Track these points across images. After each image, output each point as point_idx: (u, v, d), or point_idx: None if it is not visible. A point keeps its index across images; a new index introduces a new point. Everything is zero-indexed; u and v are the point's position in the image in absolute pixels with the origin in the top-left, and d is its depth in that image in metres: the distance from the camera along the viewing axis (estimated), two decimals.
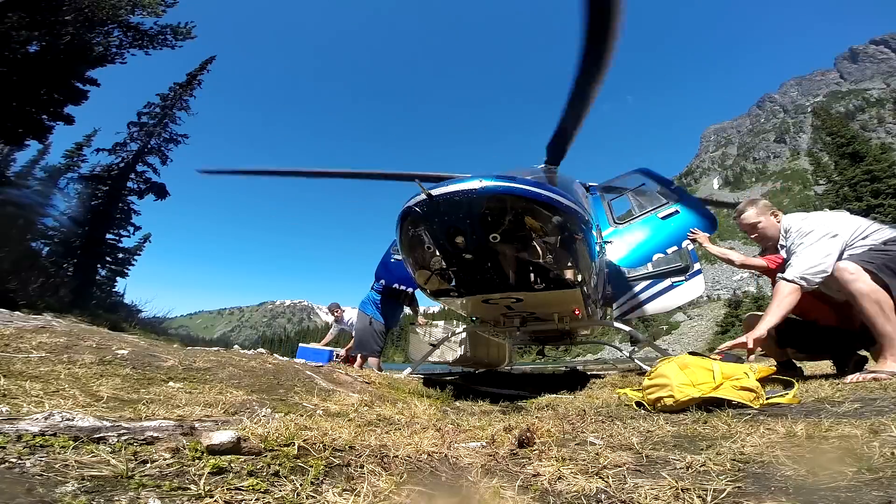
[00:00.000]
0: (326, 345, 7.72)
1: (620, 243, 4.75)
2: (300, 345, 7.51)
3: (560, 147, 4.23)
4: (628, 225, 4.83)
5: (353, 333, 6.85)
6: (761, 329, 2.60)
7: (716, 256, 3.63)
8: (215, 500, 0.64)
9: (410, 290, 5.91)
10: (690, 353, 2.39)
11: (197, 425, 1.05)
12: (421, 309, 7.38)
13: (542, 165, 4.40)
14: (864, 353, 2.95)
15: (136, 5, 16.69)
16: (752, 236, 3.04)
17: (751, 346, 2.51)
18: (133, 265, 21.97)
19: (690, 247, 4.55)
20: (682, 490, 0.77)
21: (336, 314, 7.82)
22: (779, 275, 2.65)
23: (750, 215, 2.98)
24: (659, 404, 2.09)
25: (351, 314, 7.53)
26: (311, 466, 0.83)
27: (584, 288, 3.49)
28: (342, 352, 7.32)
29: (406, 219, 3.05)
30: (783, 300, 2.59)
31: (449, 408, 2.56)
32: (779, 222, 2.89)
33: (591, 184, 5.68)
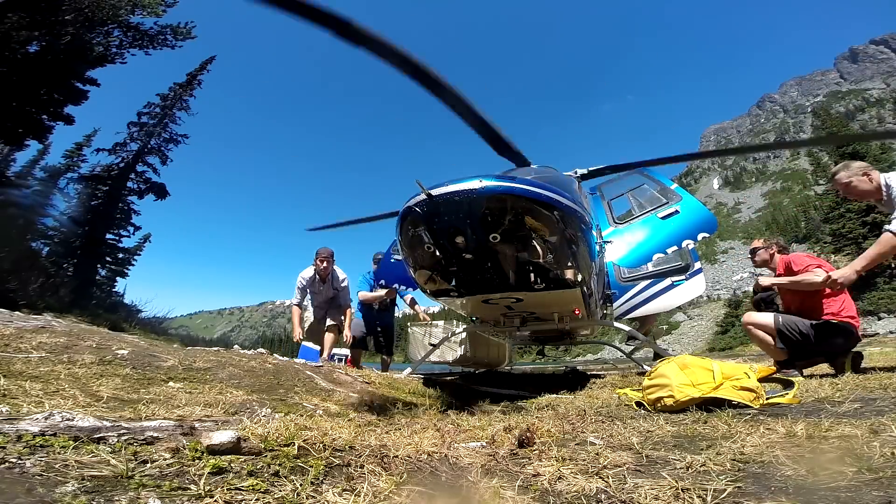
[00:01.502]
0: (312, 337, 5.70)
1: (620, 243, 4.75)
2: (302, 343, 7.42)
3: (507, 149, 4.22)
4: (628, 225, 4.83)
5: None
6: (852, 268, 2.86)
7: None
8: (215, 500, 0.64)
9: (396, 287, 5.81)
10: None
11: (197, 425, 1.05)
12: (421, 309, 7.30)
13: (513, 168, 4.35)
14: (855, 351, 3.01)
15: (136, 5, 16.69)
16: (847, 195, 3.28)
17: (831, 283, 2.83)
18: (133, 265, 21.98)
19: (691, 246, 4.55)
20: (682, 490, 0.77)
21: (322, 266, 5.25)
22: (885, 227, 2.80)
23: (842, 176, 3.19)
24: (659, 404, 2.09)
25: (344, 276, 5.62)
26: (311, 466, 0.83)
27: (584, 288, 3.49)
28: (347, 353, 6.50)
29: (406, 219, 3.05)
30: (882, 248, 2.79)
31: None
32: (871, 181, 3.07)
33: (590, 168, 5.45)
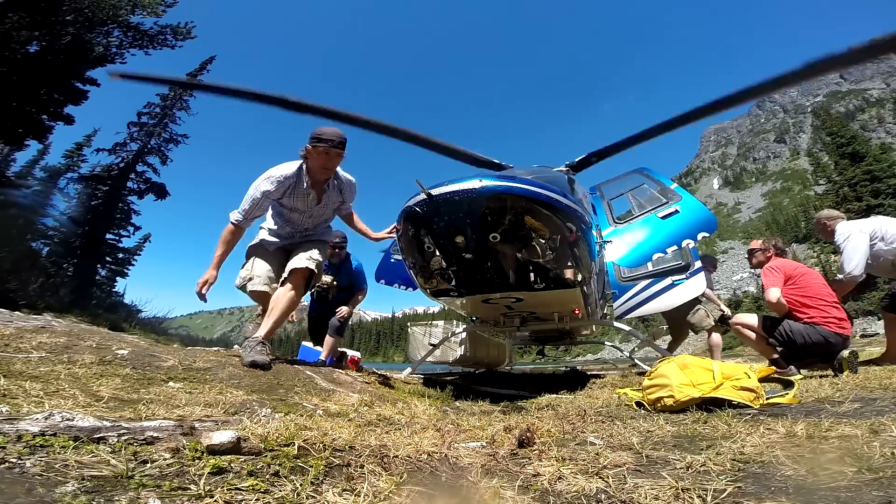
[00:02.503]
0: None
1: (620, 243, 4.75)
2: (302, 343, 7.41)
3: (486, 164, 4.32)
4: (628, 225, 4.84)
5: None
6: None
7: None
8: (215, 500, 0.64)
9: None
10: None
11: (197, 425, 1.05)
12: (420, 309, 7.28)
13: (513, 168, 4.39)
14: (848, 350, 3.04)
15: (136, 5, 16.71)
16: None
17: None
18: (133, 265, 22.00)
19: (691, 245, 4.55)
20: (682, 490, 0.77)
21: (329, 160, 2.84)
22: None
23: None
24: (659, 404, 2.09)
25: (350, 179, 3.20)
26: (311, 466, 0.83)
27: (584, 287, 3.49)
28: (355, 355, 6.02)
29: (406, 218, 3.05)
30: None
31: (449, 408, 2.56)
32: (826, 229, 3.94)
33: (577, 159, 5.28)
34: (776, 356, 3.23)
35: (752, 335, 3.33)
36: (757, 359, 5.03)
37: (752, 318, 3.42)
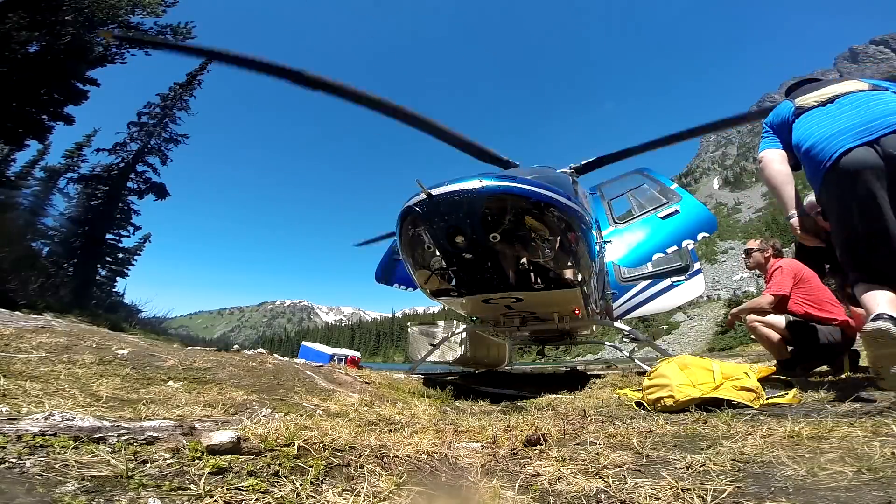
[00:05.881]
0: None
1: (620, 243, 4.75)
2: (303, 343, 7.29)
3: (492, 159, 4.44)
4: (628, 225, 4.83)
5: None
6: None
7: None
8: (215, 500, 0.64)
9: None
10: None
11: (197, 425, 1.05)
12: (420, 309, 7.25)
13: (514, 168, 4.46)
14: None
15: (136, 5, 16.71)
16: None
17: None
18: (133, 265, 21.97)
19: (691, 246, 4.54)
20: (682, 490, 0.77)
21: None
22: None
23: None
24: (659, 404, 2.09)
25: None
26: (311, 466, 0.83)
27: (584, 287, 3.49)
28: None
29: (406, 218, 3.06)
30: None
31: (449, 408, 2.56)
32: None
33: (583, 162, 5.27)
34: (787, 359, 3.18)
35: (775, 336, 3.24)
36: (757, 359, 5.03)
37: (779, 319, 3.27)
